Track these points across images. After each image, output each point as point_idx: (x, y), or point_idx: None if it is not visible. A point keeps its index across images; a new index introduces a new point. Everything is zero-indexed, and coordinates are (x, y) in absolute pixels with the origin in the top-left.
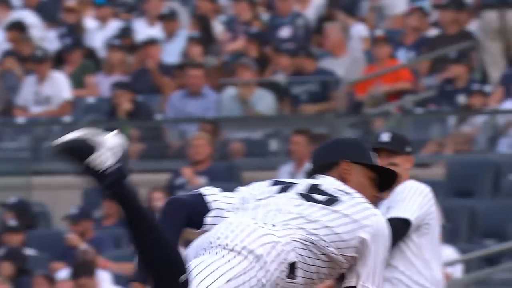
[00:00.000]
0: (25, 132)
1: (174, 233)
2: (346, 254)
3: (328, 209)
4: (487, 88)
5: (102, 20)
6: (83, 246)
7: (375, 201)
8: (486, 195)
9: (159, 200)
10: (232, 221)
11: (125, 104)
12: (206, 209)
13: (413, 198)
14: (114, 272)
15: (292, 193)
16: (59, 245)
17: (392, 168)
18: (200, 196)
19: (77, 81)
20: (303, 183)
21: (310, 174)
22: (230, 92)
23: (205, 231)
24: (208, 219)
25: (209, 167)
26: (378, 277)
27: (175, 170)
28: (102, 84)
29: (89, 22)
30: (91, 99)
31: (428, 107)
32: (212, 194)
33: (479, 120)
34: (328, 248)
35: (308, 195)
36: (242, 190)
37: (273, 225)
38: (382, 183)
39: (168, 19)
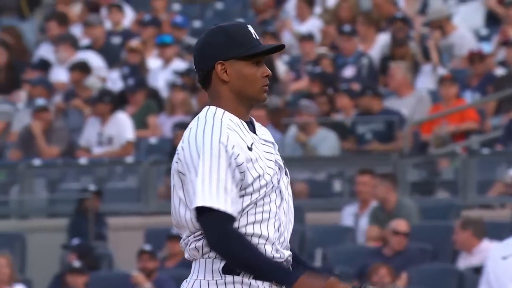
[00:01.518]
0: (88, 172)
1: None
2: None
3: None
4: None
5: (166, 60)
6: (147, 285)
7: (265, 91)
8: None
9: None
10: None
11: None
12: None
13: None
14: None
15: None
16: (123, 286)
17: None
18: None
19: (140, 122)
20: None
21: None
22: (293, 132)
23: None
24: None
25: None
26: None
27: None
28: (164, 125)
29: (152, 62)
30: (153, 140)
31: (495, 148)
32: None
33: None
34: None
35: None
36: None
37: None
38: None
39: None
